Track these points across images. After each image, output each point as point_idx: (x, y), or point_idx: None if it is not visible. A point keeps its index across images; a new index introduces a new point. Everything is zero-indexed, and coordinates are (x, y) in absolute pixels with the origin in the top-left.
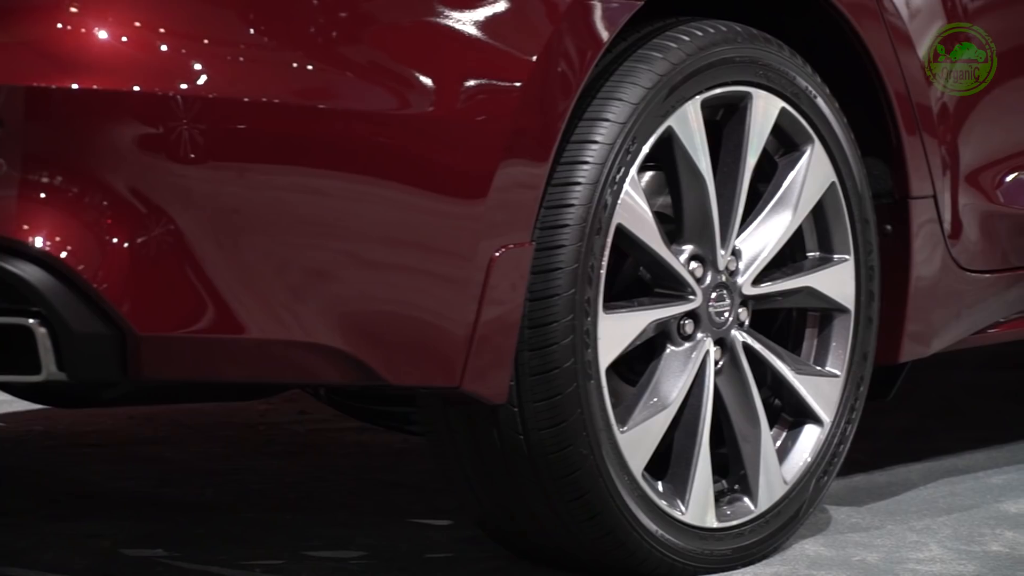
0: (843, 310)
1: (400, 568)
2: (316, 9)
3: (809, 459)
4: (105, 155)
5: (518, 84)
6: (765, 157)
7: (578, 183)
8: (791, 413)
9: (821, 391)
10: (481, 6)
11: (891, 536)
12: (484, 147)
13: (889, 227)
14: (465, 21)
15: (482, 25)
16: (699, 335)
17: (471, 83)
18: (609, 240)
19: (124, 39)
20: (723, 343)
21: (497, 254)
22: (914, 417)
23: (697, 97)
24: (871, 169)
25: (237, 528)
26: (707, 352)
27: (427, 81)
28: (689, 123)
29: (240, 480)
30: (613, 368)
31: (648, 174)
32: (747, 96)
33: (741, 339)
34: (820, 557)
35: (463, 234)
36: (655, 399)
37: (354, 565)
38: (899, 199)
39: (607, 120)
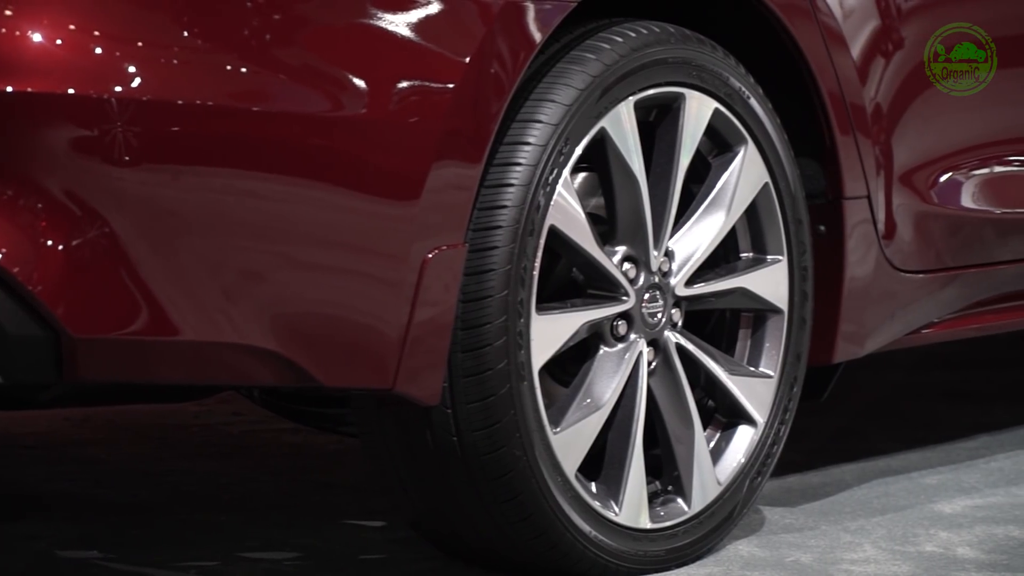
0: (776, 311)
1: (334, 569)
2: (250, 12)
3: (743, 460)
4: (40, 158)
5: (451, 86)
6: (698, 158)
7: (511, 185)
8: (725, 414)
9: (755, 392)
10: (414, 8)
11: (825, 537)
12: (417, 149)
13: (823, 228)
14: (398, 23)
15: (415, 27)
16: (632, 336)
17: (404, 85)
18: (542, 242)
19: (58, 42)
20: (656, 344)
21: (430, 256)
22: (848, 417)
23: (630, 98)
24: (805, 170)
25: (172, 529)
26: (640, 353)
27: (360, 83)
28: (622, 124)
29: (175, 481)
30: (546, 369)
31: (581, 175)
32: (680, 97)
33: (674, 340)
34: (754, 558)
35: (396, 236)
36: (588, 400)
37: (288, 566)
38: (833, 200)
39: (540, 122)
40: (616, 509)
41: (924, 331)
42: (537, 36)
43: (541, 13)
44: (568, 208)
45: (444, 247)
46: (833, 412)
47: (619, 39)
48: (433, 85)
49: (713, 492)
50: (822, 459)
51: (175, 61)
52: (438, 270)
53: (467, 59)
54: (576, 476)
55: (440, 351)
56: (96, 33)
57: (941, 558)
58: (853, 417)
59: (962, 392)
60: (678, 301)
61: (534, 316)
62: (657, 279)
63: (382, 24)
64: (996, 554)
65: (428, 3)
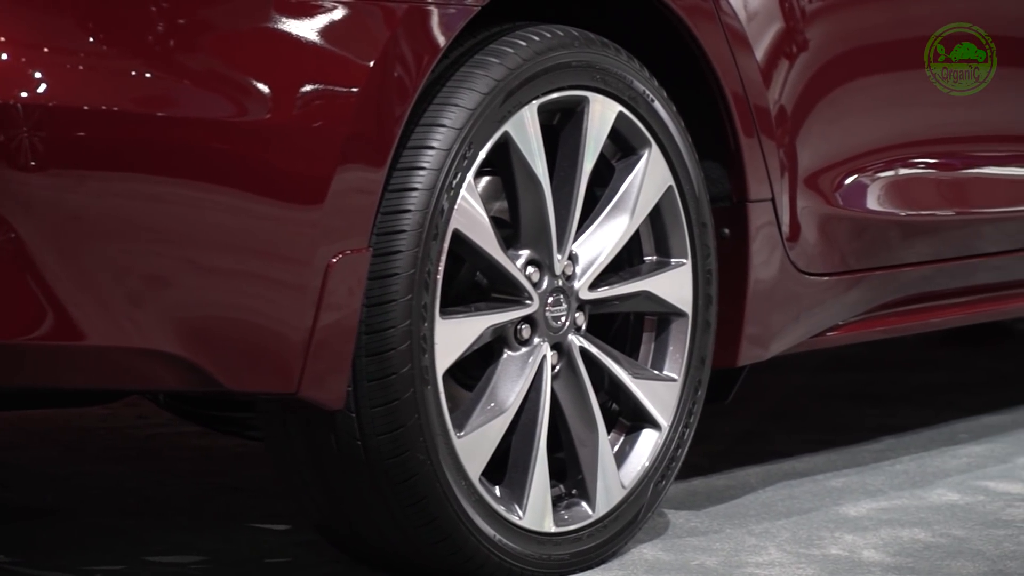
0: (680, 314)
1: (240, 573)
2: (155, 17)
3: (647, 463)
4: None
5: (355, 90)
6: (602, 161)
7: (415, 189)
8: (629, 417)
9: (658, 395)
10: (318, 13)
11: (730, 540)
12: (321, 153)
13: (727, 231)
14: (302, 28)
15: (319, 31)
16: (536, 340)
17: (308, 89)
18: (446, 245)
19: None
20: (560, 348)
21: (334, 260)
22: (753, 420)
23: (534, 102)
24: (709, 173)
25: (78, 533)
26: (544, 357)
27: (264, 88)
28: (526, 128)
29: (81, 485)
30: (450, 373)
31: (485, 179)
32: (584, 100)
33: (578, 344)
34: (658, 561)
35: (301, 240)
36: (492, 404)
37: (194, 570)
38: (737, 202)
39: (443, 126)
40: (520, 513)
41: (829, 334)
42: (441, 40)
43: (445, 17)
44: (472, 212)
45: (348, 251)
46: (738, 415)
47: (523, 43)
48: (337, 89)
49: (617, 496)
50: (727, 462)
51: (81, 67)
52: (342, 274)
53: (371, 63)
54: (480, 480)
55: (344, 355)
56: (1, 39)
57: (846, 561)
58: (758, 420)
59: (867, 394)
60: (582, 305)
61: (438, 320)
62: (561, 283)
63: (286, 29)
64: (901, 557)
65: (332, 8)
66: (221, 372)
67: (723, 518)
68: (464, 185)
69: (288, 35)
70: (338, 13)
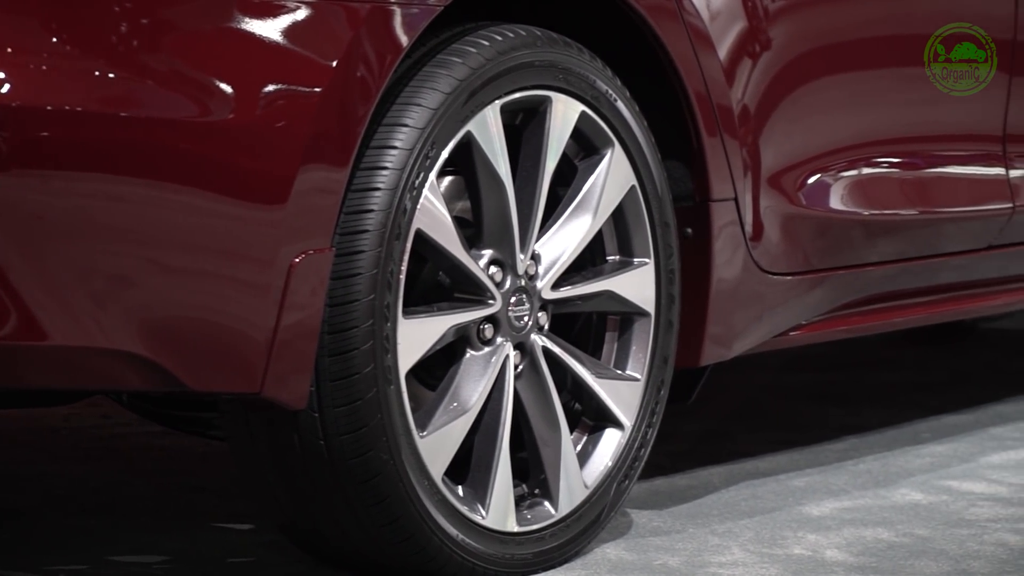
0: (643, 314)
1: (203, 573)
2: (117, 17)
3: (610, 463)
4: None
5: (318, 89)
6: (565, 161)
7: (378, 188)
8: (592, 417)
9: (621, 395)
10: (281, 13)
11: (693, 540)
12: (284, 153)
13: (689, 230)
14: (265, 28)
15: (283, 31)
16: (499, 339)
17: (271, 89)
18: (408, 245)
19: None
20: (523, 347)
21: (297, 260)
22: (715, 420)
23: (496, 102)
24: (672, 172)
25: (42, 533)
26: (507, 356)
27: (227, 88)
28: (488, 128)
29: (44, 485)
30: (413, 373)
31: (448, 179)
32: (547, 100)
33: (541, 343)
34: (621, 561)
35: (263, 240)
36: (455, 404)
37: (158, 569)
38: (700, 202)
39: (406, 126)
40: (483, 512)
41: (792, 333)
42: (404, 40)
43: (408, 17)
44: (435, 212)
45: (311, 251)
46: (701, 415)
47: (485, 43)
48: (300, 89)
49: (580, 495)
50: (690, 462)
51: (44, 67)
52: (305, 274)
53: (334, 63)
54: (443, 480)
55: (307, 355)
56: None
57: (809, 561)
58: (721, 419)
59: (830, 394)
60: (544, 304)
61: (401, 320)
62: (523, 282)
63: (249, 28)
64: (865, 556)
65: (295, 8)
66: (184, 372)
67: (686, 518)
68: (427, 185)
69: (251, 35)
70: (301, 13)
